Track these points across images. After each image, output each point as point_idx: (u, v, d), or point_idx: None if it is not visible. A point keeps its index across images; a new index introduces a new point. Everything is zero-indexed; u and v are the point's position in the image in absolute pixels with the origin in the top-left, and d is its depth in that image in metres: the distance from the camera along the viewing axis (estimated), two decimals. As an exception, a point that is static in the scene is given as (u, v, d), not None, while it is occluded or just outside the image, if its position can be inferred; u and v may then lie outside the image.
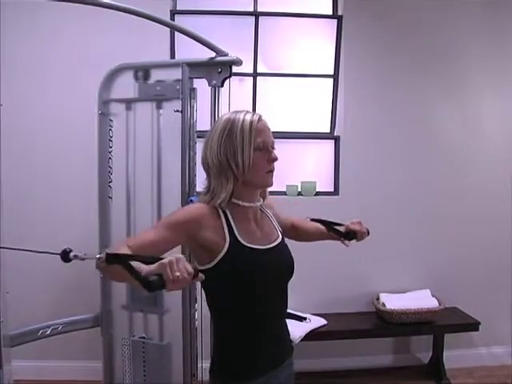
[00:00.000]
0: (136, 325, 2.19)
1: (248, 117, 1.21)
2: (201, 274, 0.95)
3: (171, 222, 1.16)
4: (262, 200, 1.31)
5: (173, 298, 2.03)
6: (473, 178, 3.00)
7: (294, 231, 1.52)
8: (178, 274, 0.88)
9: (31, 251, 1.31)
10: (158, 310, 2.14)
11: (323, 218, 1.57)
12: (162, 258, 0.92)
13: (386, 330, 2.77)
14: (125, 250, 1.03)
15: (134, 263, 0.94)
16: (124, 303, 2.18)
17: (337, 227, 1.53)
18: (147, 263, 0.94)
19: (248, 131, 1.19)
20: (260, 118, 1.23)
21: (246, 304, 1.20)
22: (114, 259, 0.97)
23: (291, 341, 1.39)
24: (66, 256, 1.09)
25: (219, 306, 1.24)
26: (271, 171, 1.24)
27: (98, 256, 0.99)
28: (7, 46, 2.37)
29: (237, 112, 1.23)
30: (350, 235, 1.50)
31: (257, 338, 1.23)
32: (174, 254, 0.93)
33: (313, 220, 1.59)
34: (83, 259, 1.06)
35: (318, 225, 1.56)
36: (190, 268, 0.91)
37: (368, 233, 1.52)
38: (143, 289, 0.89)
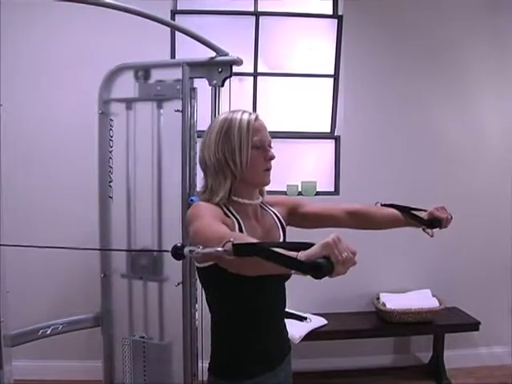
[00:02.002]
0: (136, 324, 2.19)
1: (245, 116, 1.22)
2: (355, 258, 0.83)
3: (215, 215, 1.13)
4: (261, 198, 1.31)
5: (171, 268, 2.02)
6: (473, 177, 3.00)
7: (352, 219, 1.41)
8: (345, 254, 0.80)
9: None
10: (157, 278, 2.14)
11: (400, 204, 1.44)
12: (311, 244, 0.81)
13: (386, 330, 2.78)
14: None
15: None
16: (123, 272, 2.18)
17: (417, 213, 1.40)
18: (290, 249, 0.82)
19: (245, 130, 1.19)
20: (257, 117, 1.24)
21: (246, 303, 1.21)
22: (247, 250, 0.84)
23: (289, 340, 1.38)
24: (178, 253, 0.92)
25: (219, 304, 1.24)
26: (268, 169, 1.25)
27: (221, 249, 0.85)
28: (7, 45, 2.36)
29: (234, 112, 1.24)
30: (434, 223, 1.36)
31: (255, 337, 1.23)
32: (333, 234, 0.82)
33: (385, 205, 1.47)
34: (201, 254, 0.88)
35: (393, 210, 1.45)
36: (352, 247, 0.83)
37: (451, 219, 1.41)
38: (305, 274, 0.78)
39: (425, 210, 1.43)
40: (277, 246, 0.83)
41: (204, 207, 1.18)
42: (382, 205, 1.48)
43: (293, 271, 0.81)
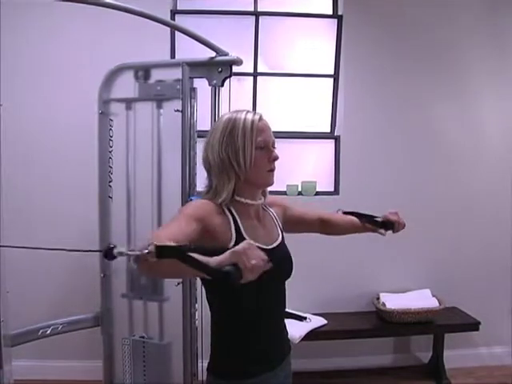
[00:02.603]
0: (136, 324, 2.19)
1: (249, 116, 1.22)
2: (269, 263, 0.88)
3: (191, 213, 1.13)
4: (263, 198, 1.31)
5: (172, 286, 2.02)
6: (473, 177, 3.00)
7: (322, 226, 1.51)
8: (254, 261, 0.84)
9: (66, 250, 1.26)
10: (157, 298, 2.14)
11: (357, 211, 1.55)
12: (226, 248, 0.85)
13: (386, 330, 2.78)
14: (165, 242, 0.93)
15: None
16: (124, 292, 2.18)
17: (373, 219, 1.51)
18: (207, 254, 0.86)
19: (249, 130, 1.20)
20: (261, 118, 1.24)
21: (245, 303, 1.20)
22: (168, 252, 0.87)
23: (289, 340, 1.39)
24: (109, 253, 0.99)
25: (219, 304, 1.24)
26: (272, 170, 1.25)
27: (146, 250, 0.88)
28: (7, 46, 2.36)
29: (238, 111, 1.24)
30: (387, 225, 1.48)
31: (255, 337, 1.23)
32: (245, 241, 0.87)
33: (346, 213, 1.57)
34: (129, 256, 0.94)
35: (352, 217, 1.55)
36: (263, 254, 0.87)
37: (404, 225, 1.51)
38: (215, 280, 0.82)
39: (379, 217, 1.53)
40: (199, 251, 0.86)
41: (188, 208, 1.19)
42: (343, 212, 1.58)
43: (206, 276, 0.85)
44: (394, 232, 1.51)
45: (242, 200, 1.24)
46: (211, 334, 1.27)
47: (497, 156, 3.01)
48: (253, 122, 1.20)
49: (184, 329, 1.99)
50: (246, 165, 1.19)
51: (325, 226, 1.52)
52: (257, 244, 1.19)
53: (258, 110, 2.91)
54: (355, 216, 1.54)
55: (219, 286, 1.15)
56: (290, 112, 3.04)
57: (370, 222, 1.51)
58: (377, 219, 1.51)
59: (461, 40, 2.94)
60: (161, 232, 1.04)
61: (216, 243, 1.15)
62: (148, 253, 0.87)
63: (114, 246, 1.00)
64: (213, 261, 0.84)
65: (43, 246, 1.32)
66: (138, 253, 0.89)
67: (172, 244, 0.92)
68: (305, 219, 1.48)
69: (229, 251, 0.85)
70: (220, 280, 0.82)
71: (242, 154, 1.19)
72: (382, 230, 1.50)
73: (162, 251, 0.87)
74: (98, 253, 2.18)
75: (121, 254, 0.96)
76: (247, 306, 1.21)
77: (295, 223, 1.45)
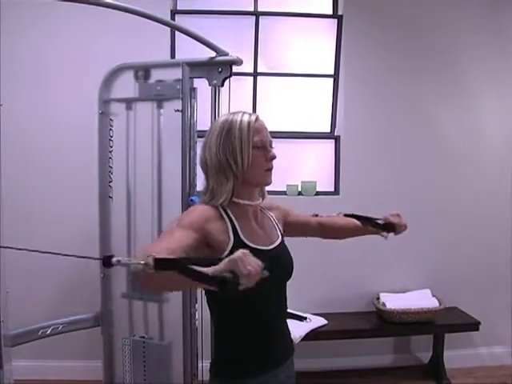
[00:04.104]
0: (136, 324, 2.19)
1: (246, 117, 1.22)
2: (265, 271, 0.89)
3: (190, 222, 1.14)
4: (261, 199, 1.31)
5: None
6: (473, 177, 3.00)
7: (323, 230, 1.51)
8: (250, 268, 0.84)
9: (67, 255, 1.27)
10: (158, 298, 2.14)
11: (359, 214, 1.54)
12: (220, 258, 0.86)
13: (386, 330, 2.77)
14: (162, 254, 0.94)
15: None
16: (124, 291, 2.18)
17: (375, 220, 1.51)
18: (202, 265, 0.86)
19: (246, 130, 1.20)
20: (257, 118, 1.24)
21: (247, 304, 1.20)
22: (165, 264, 0.88)
23: (292, 341, 1.38)
24: (107, 261, 1.00)
25: (220, 305, 1.24)
26: (270, 169, 1.25)
27: (143, 262, 0.88)
28: (7, 45, 2.36)
29: (234, 113, 1.25)
30: (389, 227, 1.47)
31: (257, 338, 1.23)
32: (240, 250, 0.88)
33: (346, 215, 1.56)
34: (127, 265, 0.96)
35: (353, 220, 1.54)
36: (258, 261, 0.88)
37: (406, 227, 1.50)
38: (215, 288, 0.83)
39: (380, 219, 1.51)
40: (195, 262, 0.87)
41: (188, 216, 1.18)
42: (344, 215, 1.56)
43: (205, 286, 0.86)
44: (395, 234, 1.50)
45: (240, 201, 1.23)
46: (214, 336, 1.27)
47: (497, 156, 3.01)
48: (249, 122, 1.21)
49: (184, 329, 1.99)
50: (243, 164, 1.19)
51: (326, 231, 1.51)
52: (256, 245, 1.20)
53: (257, 111, 2.93)
54: (356, 218, 1.53)
55: (222, 295, 1.14)
56: (289, 112, 3.04)
57: (371, 225, 1.49)
58: (378, 221, 1.50)
59: (461, 40, 2.94)
60: (158, 244, 1.05)
61: (214, 247, 1.16)
62: (145, 264, 0.88)
63: (112, 255, 1.00)
64: (210, 270, 0.85)
65: (43, 246, 1.32)
66: (135, 263, 0.90)
67: (170, 257, 0.92)
68: (307, 224, 1.48)
69: (226, 259, 0.86)
70: (217, 286, 0.83)
71: (240, 154, 1.19)
72: (385, 233, 1.49)
73: (159, 264, 0.87)
74: (98, 252, 2.19)
75: (118, 262, 0.97)
76: (248, 308, 1.20)
77: (298, 229, 1.46)
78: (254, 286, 0.86)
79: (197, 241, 1.11)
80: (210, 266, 0.85)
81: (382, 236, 1.50)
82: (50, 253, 1.33)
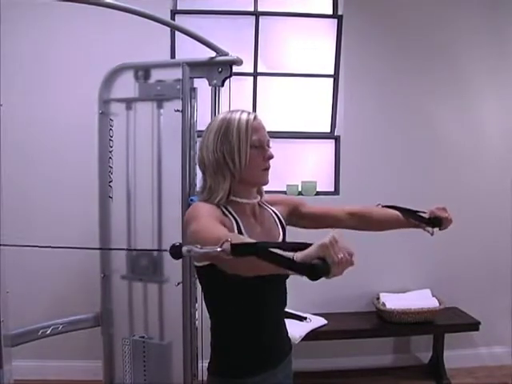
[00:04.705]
0: (136, 324, 2.19)
1: (244, 116, 1.22)
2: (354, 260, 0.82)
3: (213, 215, 1.13)
4: (259, 197, 1.31)
5: (171, 268, 2.03)
6: (473, 177, 3.00)
7: (357, 220, 1.43)
8: (341, 255, 0.79)
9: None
10: (157, 279, 2.14)
11: (401, 206, 1.45)
12: (308, 244, 0.80)
13: (386, 330, 2.77)
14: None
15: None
16: (124, 274, 2.18)
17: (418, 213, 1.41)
18: (287, 250, 0.81)
19: (244, 129, 1.20)
20: (255, 117, 1.24)
21: (245, 302, 1.21)
22: (244, 249, 0.83)
23: (290, 340, 1.38)
24: (178, 251, 0.91)
25: (218, 304, 1.24)
26: (267, 169, 1.25)
27: (219, 249, 0.83)
28: (7, 45, 2.36)
29: (232, 111, 1.25)
30: (435, 222, 1.38)
31: (255, 336, 1.23)
32: (331, 234, 0.81)
33: (386, 207, 1.48)
34: (199, 254, 0.88)
35: (393, 211, 1.46)
36: (349, 248, 0.82)
37: (451, 221, 1.42)
38: (301, 275, 0.77)
39: (424, 212, 1.44)
40: (275, 247, 0.82)
41: (202, 208, 1.18)
42: (382, 206, 1.49)
43: (289, 272, 0.80)
44: (441, 229, 1.42)
45: (238, 200, 1.23)
46: (211, 334, 1.26)
47: (497, 156, 3.01)
48: (247, 121, 1.21)
49: (184, 329, 1.99)
50: (241, 164, 1.19)
51: (356, 219, 1.43)
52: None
53: (257, 111, 2.93)
54: (398, 210, 1.44)
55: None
56: (289, 112, 3.04)
57: (415, 218, 1.40)
58: (423, 215, 1.41)
59: (461, 40, 2.94)
60: (206, 232, 1.00)
61: None
62: (222, 251, 0.84)
63: (181, 244, 0.92)
64: (298, 255, 0.79)
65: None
66: (211, 250, 0.85)
67: (249, 241, 0.89)
68: (330, 214, 1.42)
69: (315, 245, 0.79)
70: (306, 274, 0.77)
71: (237, 153, 1.19)
72: (430, 229, 1.40)
73: (237, 249, 0.83)
74: (98, 252, 2.19)
75: (189, 252, 0.89)
76: (247, 306, 1.21)
77: (316, 220, 1.41)
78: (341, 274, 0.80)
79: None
80: (294, 250, 0.80)
81: (427, 231, 1.42)
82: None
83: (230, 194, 1.22)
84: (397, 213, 1.46)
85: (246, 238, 0.93)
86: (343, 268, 0.80)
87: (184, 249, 0.90)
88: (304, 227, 1.41)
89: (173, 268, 2.02)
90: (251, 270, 0.93)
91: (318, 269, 0.76)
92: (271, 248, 0.81)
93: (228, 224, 1.16)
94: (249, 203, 1.26)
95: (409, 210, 1.44)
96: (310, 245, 0.81)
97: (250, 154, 1.20)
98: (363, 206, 1.48)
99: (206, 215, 1.12)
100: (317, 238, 0.82)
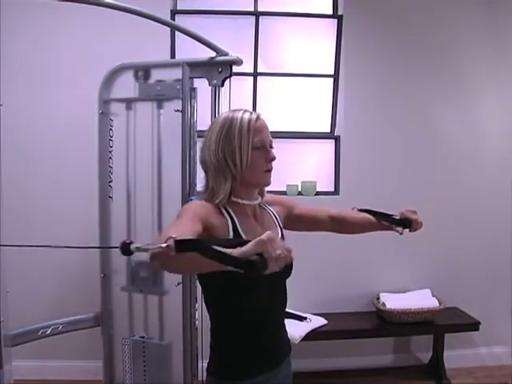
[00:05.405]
0: (136, 324, 2.19)
1: (246, 116, 1.21)
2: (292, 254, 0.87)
3: (193, 214, 1.13)
4: (260, 198, 1.31)
5: (172, 279, 2.02)
6: (473, 177, 3.00)
7: (335, 223, 1.47)
8: (279, 251, 0.82)
9: (72, 247, 1.23)
10: (158, 291, 2.14)
11: (373, 209, 1.50)
12: (247, 241, 0.83)
13: (386, 330, 2.77)
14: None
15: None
16: (123, 285, 2.18)
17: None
18: (227, 247, 0.84)
19: (246, 130, 1.19)
20: (258, 117, 1.23)
21: (244, 302, 1.20)
22: (187, 246, 0.86)
23: (289, 340, 1.38)
24: (126, 249, 0.95)
25: (217, 304, 1.24)
26: (269, 170, 1.24)
27: (164, 245, 0.86)
28: (7, 45, 2.36)
29: (235, 111, 1.23)
30: (405, 223, 1.43)
31: (255, 337, 1.23)
32: (268, 232, 0.85)
33: (360, 210, 1.52)
34: (146, 250, 0.91)
35: (367, 215, 1.50)
36: (286, 244, 0.86)
37: (421, 225, 1.46)
38: (240, 270, 0.81)
39: (396, 215, 1.48)
40: (218, 244, 0.85)
41: (190, 207, 1.19)
42: (358, 210, 1.53)
43: (229, 267, 0.83)
44: (411, 231, 1.45)
45: (239, 201, 1.23)
46: (210, 335, 1.26)
47: (497, 156, 3.01)
48: (249, 121, 1.19)
49: (184, 329, 1.99)
50: (242, 165, 1.19)
51: (338, 224, 1.47)
52: None
53: (258, 110, 2.92)
54: (370, 214, 1.49)
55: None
56: (289, 112, 3.04)
57: (387, 220, 1.46)
58: (394, 217, 1.46)
59: (460, 40, 2.94)
60: (168, 231, 1.02)
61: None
62: (167, 247, 0.86)
63: (131, 242, 0.96)
64: (236, 251, 0.82)
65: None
66: (156, 246, 0.87)
67: (192, 238, 0.91)
68: (316, 217, 1.45)
69: (253, 241, 0.83)
70: (245, 269, 0.81)
71: (239, 155, 1.18)
72: (400, 228, 1.45)
73: (181, 245, 0.85)
74: (98, 252, 2.19)
75: (138, 248, 0.93)
76: (247, 306, 1.20)
77: (305, 223, 1.43)
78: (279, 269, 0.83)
79: (200, 231, 1.09)
80: (233, 247, 0.83)
81: (397, 231, 1.46)
82: (64, 247, 1.32)
83: (231, 195, 1.22)
84: (369, 216, 1.50)
85: (192, 237, 0.95)
86: (280, 263, 0.83)
87: (133, 246, 0.94)
88: (293, 229, 1.41)
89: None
90: (190, 267, 0.96)
91: (255, 264, 0.80)
92: (214, 245, 0.84)
93: (218, 223, 1.16)
94: (250, 204, 1.26)
95: (381, 213, 1.48)
96: (249, 241, 0.84)
97: (252, 156, 1.19)
98: (341, 210, 1.52)
99: (188, 215, 1.12)
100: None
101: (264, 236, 0.83)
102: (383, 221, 1.47)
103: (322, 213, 1.47)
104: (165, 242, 0.86)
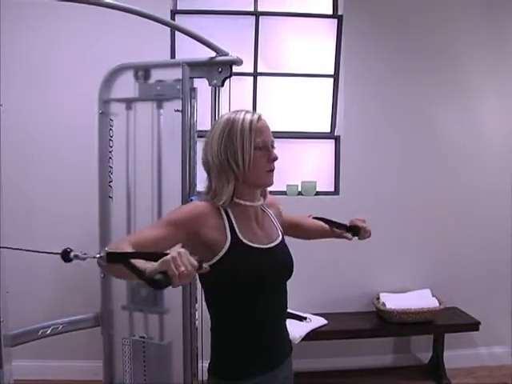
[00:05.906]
0: (136, 324, 2.19)
1: (248, 116, 1.21)
2: (205, 265, 0.95)
3: (172, 219, 1.17)
4: (262, 199, 1.31)
5: (173, 298, 2.03)
6: (473, 177, 3.00)
7: (294, 229, 1.52)
8: (182, 268, 0.88)
9: (31, 251, 1.30)
10: (158, 310, 2.14)
11: (326, 217, 1.57)
12: (165, 254, 0.91)
13: (386, 330, 2.77)
14: (126, 248, 1.02)
15: (138, 261, 0.93)
16: (124, 304, 2.19)
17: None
18: (149, 260, 0.93)
19: (248, 131, 1.19)
20: (260, 118, 1.23)
21: (245, 303, 1.20)
22: (115, 258, 0.96)
23: (290, 340, 1.38)
24: (66, 256, 1.09)
25: (218, 304, 1.24)
26: (271, 170, 1.24)
27: (98, 255, 0.98)
28: (7, 46, 2.36)
29: (237, 112, 1.24)
30: (353, 230, 1.51)
31: (256, 337, 1.23)
32: (176, 249, 0.93)
33: (315, 218, 1.58)
34: (84, 259, 1.07)
35: (320, 222, 1.56)
36: (193, 261, 0.91)
37: (370, 234, 1.53)
38: (148, 286, 0.90)
39: (346, 224, 1.55)
40: (142, 257, 0.95)
41: (177, 213, 1.21)
42: (313, 218, 1.59)
43: (141, 283, 0.93)
44: (359, 238, 1.53)
45: (241, 202, 1.23)
46: (211, 335, 1.26)
47: (497, 156, 3.01)
48: (251, 122, 1.20)
49: (184, 329, 1.99)
50: (244, 166, 1.19)
51: (296, 230, 1.54)
52: (254, 244, 1.20)
53: (258, 110, 2.92)
54: (324, 222, 1.56)
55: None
56: (289, 112, 3.04)
57: (338, 227, 1.54)
58: (344, 225, 1.54)
59: (461, 40, 2.94)
60: (130, 237, 1.12)
61: (208, 245, 1.16)
62: (100, 257, 0.98)
63: (71, 250, 1.11)
64: (149, 268, 0.91)
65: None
66: (90, 257, 1.00)
67: (119, 251, 0.99)
68: (285, 223, 1.47)
69: (160, 260, 0.90)
70: (149, 286, 0.90)
71: (241, 155, 1.18)
72: (349, 234, 1.52)
73: (111, 257, 0.96)
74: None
75: (76, 256, 1.08)
76: (247, 306, 1.21)
77: (287, 228, 1.45)
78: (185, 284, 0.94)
79: (177, 239, 1.14)
80: (155, 260, 0.91)
81: (347, 238, 1.53)
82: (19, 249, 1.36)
83: (233, 196, 1.22)
84: (322, 223, 1.56)
85: (127, 249, 1.02)
86: (185, 280, 0.90)
87: (72, 254, 1.10)
88: None
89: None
90: (124, 275, 1.02)
91: (159, 282, 0.88)
92: (140, 258, 0.94)
93: (213, 223, 1.17)
94: (252, 206, 1.26)
95: (333, 221, 1.55)
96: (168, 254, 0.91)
97: (254, 156, 1.19)
98: (300, 217, 1.58)
99: (166, 221, 1.17)
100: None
101: (169, 256, 0.89)
102: (334, 228, 1.54)
103: (288, 218, 1.51)
104: (99, 253, 0.98)
